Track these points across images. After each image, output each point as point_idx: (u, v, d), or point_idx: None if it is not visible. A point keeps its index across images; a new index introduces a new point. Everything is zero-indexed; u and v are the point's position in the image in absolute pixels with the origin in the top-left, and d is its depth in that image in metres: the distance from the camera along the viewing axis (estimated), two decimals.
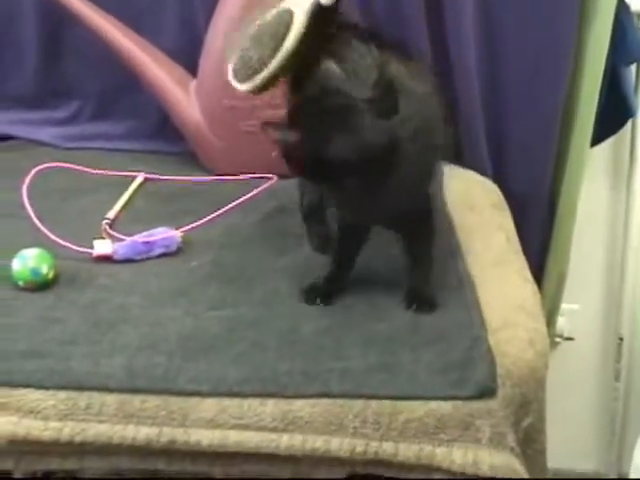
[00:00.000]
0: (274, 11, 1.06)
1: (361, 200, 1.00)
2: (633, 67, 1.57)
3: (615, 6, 1.42)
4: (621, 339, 1.79)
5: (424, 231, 1.10)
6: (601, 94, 1.47)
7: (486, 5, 1.44)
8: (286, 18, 1.04)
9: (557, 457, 1.03)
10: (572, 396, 1.82)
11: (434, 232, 1.11)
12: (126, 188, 1.39)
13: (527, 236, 1.36)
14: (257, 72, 1.04)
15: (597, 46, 1.42)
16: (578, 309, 1.80)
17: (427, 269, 1.10)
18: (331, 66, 0.99)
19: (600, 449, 1.91)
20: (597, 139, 1.54)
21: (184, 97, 1.43)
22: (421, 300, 1.06)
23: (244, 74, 1.05)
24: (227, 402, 0.90)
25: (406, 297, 1.07)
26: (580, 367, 1.86)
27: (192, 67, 1.48)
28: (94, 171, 1.41)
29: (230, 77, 1.07)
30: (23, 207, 1.26)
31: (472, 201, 1.38)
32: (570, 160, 1.50)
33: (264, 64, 1.03)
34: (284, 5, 1.06)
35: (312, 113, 0.98)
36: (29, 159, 1.50)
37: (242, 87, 1.06)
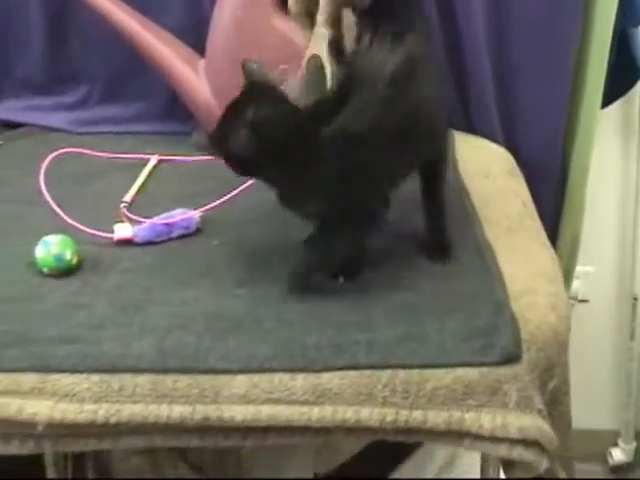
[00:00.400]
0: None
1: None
2: None
3: None
4: (635, 299, 1.81)
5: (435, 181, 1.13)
6: (610, 56, 1.48)
7: None
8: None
9: (575, 417, 1.05)
10: (588, 357, 1.84)
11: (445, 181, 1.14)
12: (140, 171, 1.40)
13: (540, 200, 1.36)
14: None
15: (605, 9, 1.43)
16: (592, 271, 1.82)
17: (441, 219, 1.14)
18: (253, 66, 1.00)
19: (617, 408, 1.93)
20: (607, 101, 1.54)
21: (193, 76, 1.43)
22: (439, 249, 1.11)
23: None
24: (258, 378, 0.92)
25: (424, 248, 1.12)
26: (595, 328, 1.88)
27: (199, 46, 1.48)
28: (108, 155, 1.42)
29: None
30: (40, 193, 1.27)
31: (486, 169, 1.39)
32: (581, 123, 1.51)
33: None
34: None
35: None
36: (41, 145, 1.52)
37: None
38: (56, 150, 1.39)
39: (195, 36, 1.49)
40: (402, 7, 1.06)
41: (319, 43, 1.03)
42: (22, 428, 0.93)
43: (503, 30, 1.49)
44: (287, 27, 1.37)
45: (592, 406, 1.87)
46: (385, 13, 1.06)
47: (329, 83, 1.00)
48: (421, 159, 1.10)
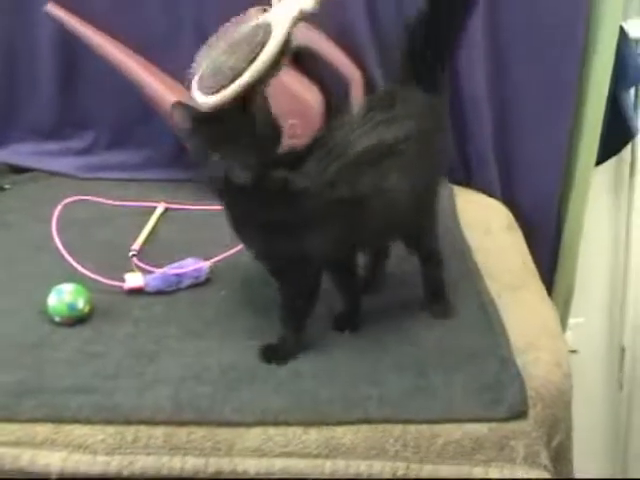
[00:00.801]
0: (251, 24, 1.02)
1: None
2: (632, 90, 1.63)
3: (617, 37, 1.48)
4: (623, 350, 1.85)
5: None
6: (604, 117, 1.53)
7: (495, 33, 1.49)
8: (264, 30, 1.00)
9: None
10: (577, 406, 1.86)
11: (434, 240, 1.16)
12: (147, 217, 1.42)
13: (535, 253, 1.40)
14: (229, 81, 0.96)
15: (601, 73, 1.48)
16: (582, 322, 1.85)
17: (438, 274, 1.16)
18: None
19: (606, 457, 1.95)
20: (600, 158, 1.59)
21: None
22: (439, 305, 1.14)
23: (212, 84, 0.98)
24: (272, 431, 0.93)
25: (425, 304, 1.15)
26: (585, 378, 1.90)
27: None
28: (116, 202, 1.43)
29: (194, 88, 1.01)
30: (48, 239, 1.28)
31: (486, 224, 1.42)
32: (576, 180, 1.56)
33: (238, 74, 0.97)
34: (262, 19, 1.02)
35: None
36: (48, 190, 1.54)
37: (204, 100, 0.98)
38: (62, 195, 1.42)
39: None
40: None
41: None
42: (36, 477, 0.94)
43: (503, 91, 1.53)
44: (298, 84, 1.40)
45: (581, 454, 1.89)
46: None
47: None
48: (397, 233, 1.13)
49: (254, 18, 1.06)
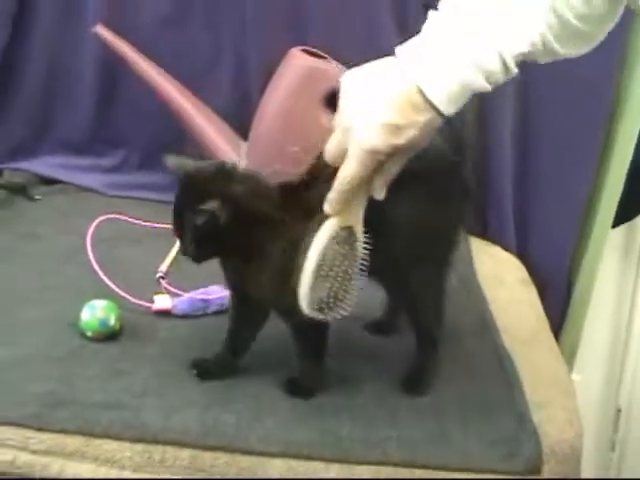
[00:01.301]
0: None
1: None
2: None
3: None
4: (619, 410, 1.88)
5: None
6: (625, 181, 1.57)
7: (522, 89, 1.54)
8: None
9: None
10: None
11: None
12: (173, 240, 1.44)
13: (544, 309, 1.44)
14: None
15: (625, 139, 1.53)
16: (580, 379, 1.88)
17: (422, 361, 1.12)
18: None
19: None
20: (615, 223, 1.64)
21: (234, 157, 1.49)
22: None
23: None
24: (295, 463, 0.96)
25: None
26: None
27: (242, 128, 1.55)
28: (145, 223, 1.47)
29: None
30: (78, 253, 1.31)
31: (501, 277, 1.47)
32: (591, 241, 1.60)
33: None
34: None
35: None
36: (76, 204, 1.57)
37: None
38: (91, 210, 1.47)
39: (238, 118, 1.56)
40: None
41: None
42: None
43: (527, 146, 1.58)
44: (331, 123, 1.44)
45: None
46: None
47: None
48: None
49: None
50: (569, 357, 1.69)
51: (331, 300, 0.93)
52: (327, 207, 0.91)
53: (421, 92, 0.82)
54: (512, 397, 1.10)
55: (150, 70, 1.49)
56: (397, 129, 0.84)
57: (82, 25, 1.55)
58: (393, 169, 0.90)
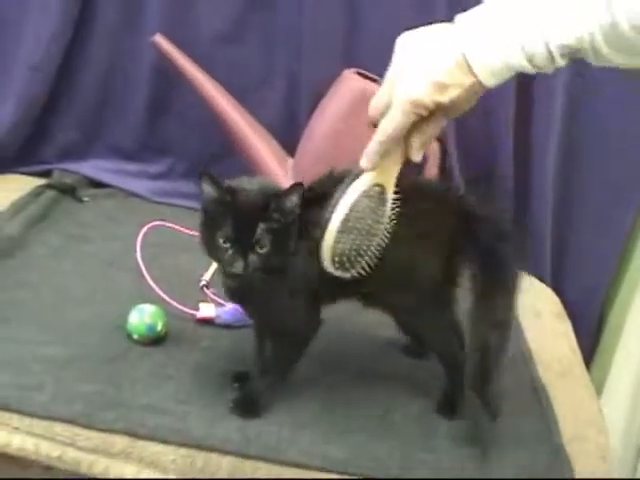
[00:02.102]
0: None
1: None
2: None
3: None
4: None
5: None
6: None
7: (568, 131, 1.57)
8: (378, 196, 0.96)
9: None
10: None
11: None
12: None
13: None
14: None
15: None
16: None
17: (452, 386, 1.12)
18: None
19: None
20: None
21: (281, 173, 1.52)
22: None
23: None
24: (334, 477, 0.98)
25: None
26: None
27: (289, 145, 1.58)
28: (190, 231, 1.49)
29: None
30: (125, 257, 1.35)
31: (536, 308, 1.48)
32: (625, 280, 1.62)
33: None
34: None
35: None
36: (123, 209, 1.60)
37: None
38: (137, 215, 1.51)
39: (286, 135, 1.60)
40: None
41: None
42: None
43: (569, 179, 1.61)
44: None
45: None
46: None
47: None
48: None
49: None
50: (597, 390, 1.69)
51: (353, 254, 0.93)
52: (364, 160, 0.93)
53: (467, 60, 0.86)
54: (547, 429, 1.11)
55: (204, 82, 1.53)
56: (443, 87, 0.87)
57: (140, 34, 1.59)
58: (431, 130, 0.92)
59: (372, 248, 0.94)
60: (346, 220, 0.92)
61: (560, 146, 1.58)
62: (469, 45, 0.86)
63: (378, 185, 0.94)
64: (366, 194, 0.93)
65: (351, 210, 0.92)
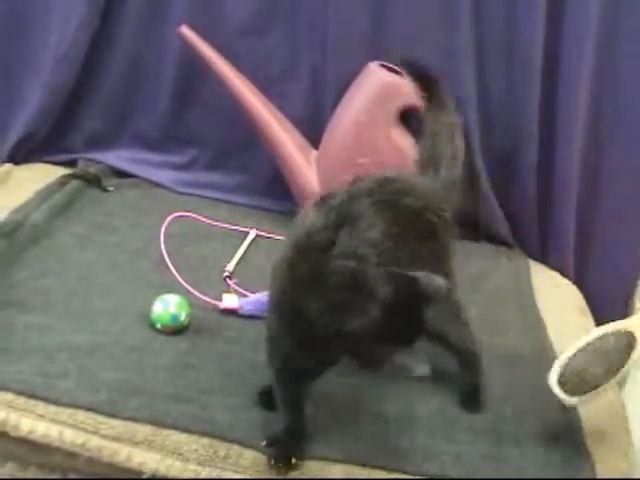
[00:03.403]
0: (609, 330, 1.07)
1: None
2: None
3: None
4: None
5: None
6: None
7: (595, 126, 1.57)
8: (625, 342, 1.05)
9: None
10: None
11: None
12: (237, 240, 1.49)
13: None
14: (590, 388, 1.02)
15: None
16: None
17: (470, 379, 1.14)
18: None
19: None
20: None
21: (305, 164, 1.52)
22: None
23: (575, 386, 1.03)
24: (356, 470, 0.99)
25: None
26: None
27: (313, 137, 1.58)
28: (214, 222, 1.50)
29: (553, 376, 1.04)
30: (149, 247, 1.36)
31: (559, 302, 1.47)
32: None
33: (598, 383, 1.03)
34: (618, 327, 1.08)
35: None
36: (147, 199, 1.61)
37: (570, 400, 1.03)
38: (160, 205, 1.52)
39: (310, 127, 1.60)
40: None
41: None
42: (122, 474, 1.00)
43: (594, 174, 1.60)
44: (402, 139, 1.47)
45: None
46: None
47: None
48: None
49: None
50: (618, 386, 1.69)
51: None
52: None
53: None
54: (569, 425, 1.11)
55: (229, 73, 1.53)
56: None
57: (166, 25, 1.59)
58: None
59: None
60: None
61: (585, 136, 1.57)
62: None
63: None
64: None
65: None
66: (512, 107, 1.58)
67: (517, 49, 1.55)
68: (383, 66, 1.52)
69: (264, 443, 0.99)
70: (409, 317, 0.88)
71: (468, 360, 1.14)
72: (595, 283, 1.63)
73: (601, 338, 1.04)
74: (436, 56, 1.55)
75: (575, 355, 1.03)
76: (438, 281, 0.88)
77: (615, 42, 1.53)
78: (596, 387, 1.02)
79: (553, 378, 1.03)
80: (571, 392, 1.02)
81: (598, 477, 1.02)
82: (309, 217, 0.96)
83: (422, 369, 1.03)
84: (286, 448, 0.99)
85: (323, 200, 0.99)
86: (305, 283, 0.90)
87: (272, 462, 0.97)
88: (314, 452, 0.99)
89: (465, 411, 1.11)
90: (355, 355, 0.94)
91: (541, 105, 1.56)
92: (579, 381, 1.02)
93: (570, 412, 1.12)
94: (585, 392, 1.02)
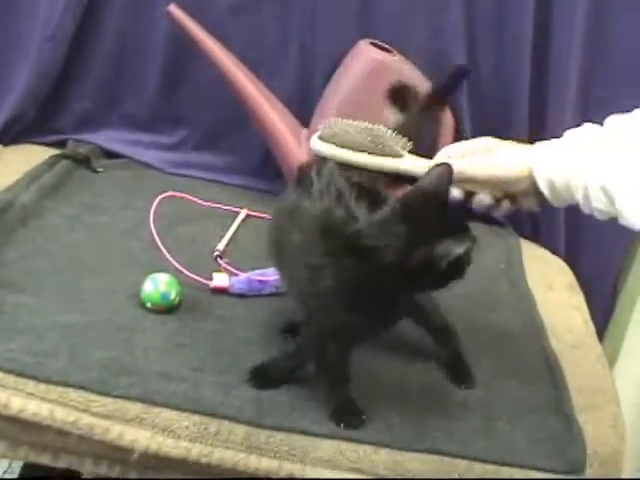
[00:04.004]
0: (394, 136, 1.10)
1: None
2: None
3: None
4: None
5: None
6: None
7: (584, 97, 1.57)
8: (396, 151, 1.08)
9: None
10: None
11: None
12: (227, 220, 1.48)
13: None
14: (346, 148, 1.07)
15: None
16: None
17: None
18: None
19: None
20: None
21: (295, 144, 1.52)
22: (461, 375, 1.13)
23: (332, 139, 1.08)
24: (344, 446, 0.99)
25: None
26: None
27: (303, 116, 1.58)
28: (204, 203, 1.50)
29: (319, 127, 1.12)
30: (139, 227, 1.35)
31: (549, 280, 1.48)
32: (638, 256, 1.61)
33: (360, 151, 1.07)
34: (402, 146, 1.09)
35: None
36: (136, 179, 1.60)
37: (320, 144, 1.09)
38: (150, 186, 1.51)
39: (301, 106, 1.59)
40: None
41: None
42: (113, 452, 1.00)
43: None
44: (396, 120, 1.46)
45: None
46: None
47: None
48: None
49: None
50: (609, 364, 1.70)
51: None
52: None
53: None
54: (559, 398, 1.12)
55: (218, 52, 1.52)
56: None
57: (155, 4, 1.57)
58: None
59: None
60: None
61: (576, 112, 1.57)
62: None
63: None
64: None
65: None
66: (502, 84, 1.57)
67: (507, 25, 1.54)
68: (373, 44, 1.51)
69: (342, 426, 1.01)
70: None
71: (446, 332, 1.15)
72: (585, 261, 1.64)
73: (379, 130, 1.10)
74: (425, 34, 1.55)
75: (348, 123, 1.10)
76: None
77: (605, 17, 1.53)
78: (343, 147, 1.07)
79: (321, 126, 1.11)
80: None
81: (589, 452, 1.03)
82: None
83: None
84: (352, 415, 1.02)
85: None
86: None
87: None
88: (304, 428, 1.00)
89: (458, 386, 1.12)
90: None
91: (531, 81, 1.56)
92: (334, 134, 1.08)
93: (560, 387, 1.13)
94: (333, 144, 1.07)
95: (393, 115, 1.48)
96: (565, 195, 1.03)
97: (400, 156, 1.08)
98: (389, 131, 1.10)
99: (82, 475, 1.16)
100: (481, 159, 1.07)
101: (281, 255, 1.06)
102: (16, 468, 1.63)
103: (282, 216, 1.06)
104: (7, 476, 1.65)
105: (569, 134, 1.05)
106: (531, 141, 1.10)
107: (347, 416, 1.02)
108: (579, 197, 1.01)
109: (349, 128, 1.09)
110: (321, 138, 1.10)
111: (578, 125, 1.06)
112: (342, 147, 1.08)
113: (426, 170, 0.98)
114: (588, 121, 1.05)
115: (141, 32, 1.62)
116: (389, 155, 1.08)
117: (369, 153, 1.08)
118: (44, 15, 1.57)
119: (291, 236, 1.00)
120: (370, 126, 1.10)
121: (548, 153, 1.04)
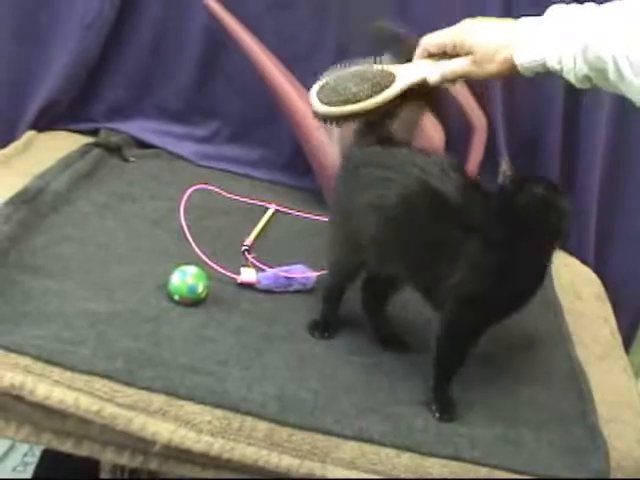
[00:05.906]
0: (380, 67, 1.12)
1: None
2: None
3: None
4: None
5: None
6: None
7: (617, 111, 1.55)
8: (389, 79, 1.11)
9: None
10: None
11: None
12: (256, 215, 1.49)
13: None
14: (346, 103, 1.10)
15: None
16: None
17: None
18: None
19: None
20: None
21: (326, 138, 1.51)
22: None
23: (331, 98, 1.11)
24: (367, 448, 0.99)
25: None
26: None
27: None
28: (234, 196, 1.50)
29: (312, 91, 1.13)
30: (169, 218, 1.36)
31: (578, 289, 1.47)
32: None
33: (357, 100, 1.09)
34: (391, 68, 1.12)
35: None
36: (167, 170, 1.61)
37: (321, 107, 1.11)
38: (181, 177, 1.52)
39: None
40: None
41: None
42: (135, 443, 1.00)
43: (616, 161, 1.59)
44: (427, 120, 1.46)
45: None
46: None
47: None
48: None
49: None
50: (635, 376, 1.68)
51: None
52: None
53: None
54: (584, 409, 1.11)
55: (254, 47, 1.52)
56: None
57: None
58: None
59: None
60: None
61: (609, 124, 1.55)
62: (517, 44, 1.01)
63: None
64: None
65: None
66: (536, 94, 1.56)
67: None
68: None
69: (437, 415, 1.05)
70: None
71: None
72: (614, 272, 1.62)
73: (366, 69, 1.12)
74: None
75: (337, 76, 1.13)
76: None
77: None
78: (346, 102, 1.10)
79: (315, 88, 1.13)
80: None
81: (612, 464, 1.02)
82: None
83: None
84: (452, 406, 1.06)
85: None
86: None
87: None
88: (326, 428, 0.99)
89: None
90: None
91: (565, 93, 1.55)
92: (331, 92, 1.11)
93: (586, 398, 1.12)
94: (337, 104, 1.10)
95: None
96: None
97: (394, 79, 1.10)
98: (374, 65, 1.12)
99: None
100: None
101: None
102: (37, 451, 1.65)
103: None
104: (28, 459, 1.68)
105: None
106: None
107: (446, 406, 1.06)
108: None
109: (340, 81, 1.12)
110: (321, 101, 1.12)
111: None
112: (345, 103, 1.10)
113: (422, 75, 1.09)
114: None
115: (177, 24, 1.62)
116: (386, 86, 1.10)
117: (370, 96, 1.10)
118: (82, 3, 1.58)
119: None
120: (358, 69, 1.13)
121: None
